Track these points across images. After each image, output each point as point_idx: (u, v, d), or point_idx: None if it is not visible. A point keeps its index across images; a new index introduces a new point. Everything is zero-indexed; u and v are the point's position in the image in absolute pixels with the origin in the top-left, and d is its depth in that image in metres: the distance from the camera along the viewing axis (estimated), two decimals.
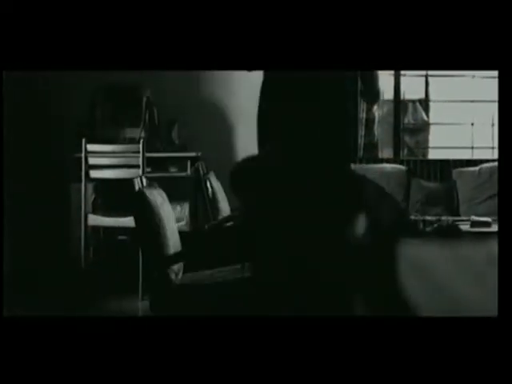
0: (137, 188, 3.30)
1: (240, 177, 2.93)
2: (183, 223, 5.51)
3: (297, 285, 2.02)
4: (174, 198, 5.62)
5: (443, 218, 5.17)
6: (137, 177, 3.42)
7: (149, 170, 5.43)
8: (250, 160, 3.18)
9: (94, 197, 5.65)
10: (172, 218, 3.53)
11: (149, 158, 5.46)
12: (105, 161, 5.32)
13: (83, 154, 5.29)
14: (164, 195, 3.57)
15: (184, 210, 5.63)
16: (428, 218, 5.29)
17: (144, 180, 3.45)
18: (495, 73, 6.05)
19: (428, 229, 4.35)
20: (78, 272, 5.40)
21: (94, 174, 5.35)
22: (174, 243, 3.42)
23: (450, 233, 4.03)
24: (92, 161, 5.34)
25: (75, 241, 5.52)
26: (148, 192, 3.37)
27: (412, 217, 5.22)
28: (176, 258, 3.39)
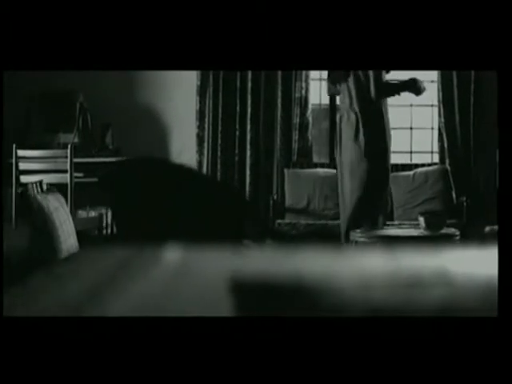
0: (31, 193, 3.29)
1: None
2: None
3: None
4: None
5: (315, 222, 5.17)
6: (34, 182, 3.42)
7: (80, 175, 5.43)
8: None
9: None
10: (69, 221, 3.53)
11: (82, 163, 5.47)
12: (35, 166, 5.34)
13: (14, 160, 5.31)
14: (62, 200, 3.57)
15: None
16: (301, 221, 5.32)
17: (44, 185, 3.45)
18: (434, 77, 6.09)
19: (293, 232, 4.36)
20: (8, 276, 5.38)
21: (24, 179, 5.35)
22: (69, 246, 3.42)
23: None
24: (23, 166, 5.35)
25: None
26: (42, 197, 3.36)
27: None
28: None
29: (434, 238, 4.21)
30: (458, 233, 4.37)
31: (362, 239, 4.17)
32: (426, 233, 4.27)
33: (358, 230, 4.33)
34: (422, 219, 4.28)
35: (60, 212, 3.43)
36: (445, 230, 4.36)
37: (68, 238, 3.44)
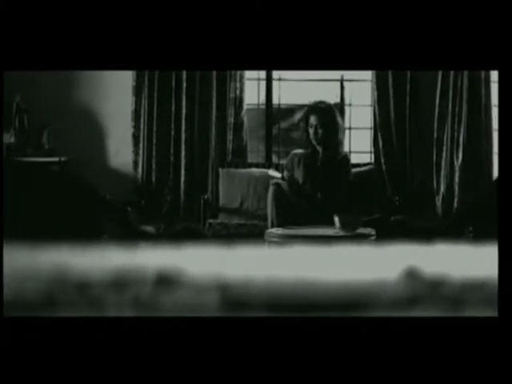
0: None
1: None
2: None
3: None
4: None
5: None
6: None
7: None
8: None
9: None
10: None
11: (17, 163, 5.51)
12: None
13: None
14: None
15: None
16: (233, 221, 5.37)
17: None
18: (369, 76, 6.12)
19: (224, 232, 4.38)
20: None
21: None
22: None
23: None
24: None
25: None
26: None
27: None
28: None
29: (348, 238, 4.25)
30: (373, 232, 4.42)
31: (275, 239, 4.21)
32: (340, 232, 4.32)
33: (273, 230, 4.37)
34: (336, 219, 4.33)
35: None
36: (360, 230, 4.41)
37: None
